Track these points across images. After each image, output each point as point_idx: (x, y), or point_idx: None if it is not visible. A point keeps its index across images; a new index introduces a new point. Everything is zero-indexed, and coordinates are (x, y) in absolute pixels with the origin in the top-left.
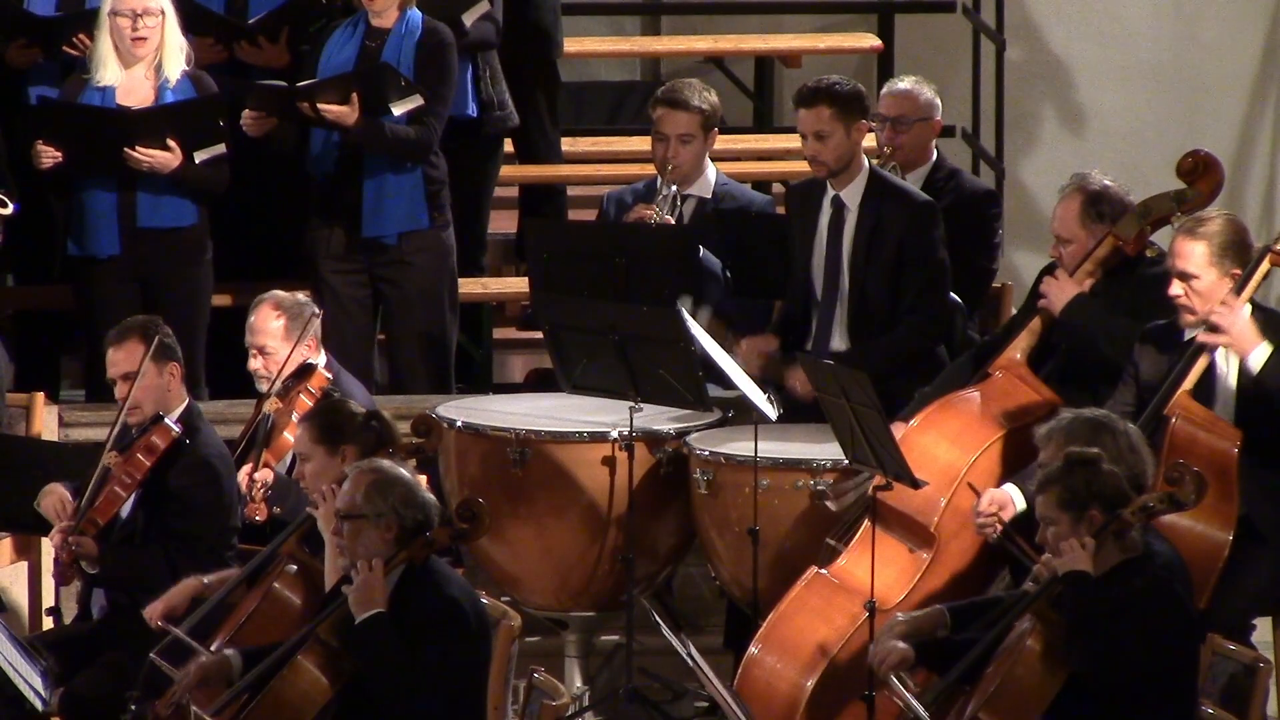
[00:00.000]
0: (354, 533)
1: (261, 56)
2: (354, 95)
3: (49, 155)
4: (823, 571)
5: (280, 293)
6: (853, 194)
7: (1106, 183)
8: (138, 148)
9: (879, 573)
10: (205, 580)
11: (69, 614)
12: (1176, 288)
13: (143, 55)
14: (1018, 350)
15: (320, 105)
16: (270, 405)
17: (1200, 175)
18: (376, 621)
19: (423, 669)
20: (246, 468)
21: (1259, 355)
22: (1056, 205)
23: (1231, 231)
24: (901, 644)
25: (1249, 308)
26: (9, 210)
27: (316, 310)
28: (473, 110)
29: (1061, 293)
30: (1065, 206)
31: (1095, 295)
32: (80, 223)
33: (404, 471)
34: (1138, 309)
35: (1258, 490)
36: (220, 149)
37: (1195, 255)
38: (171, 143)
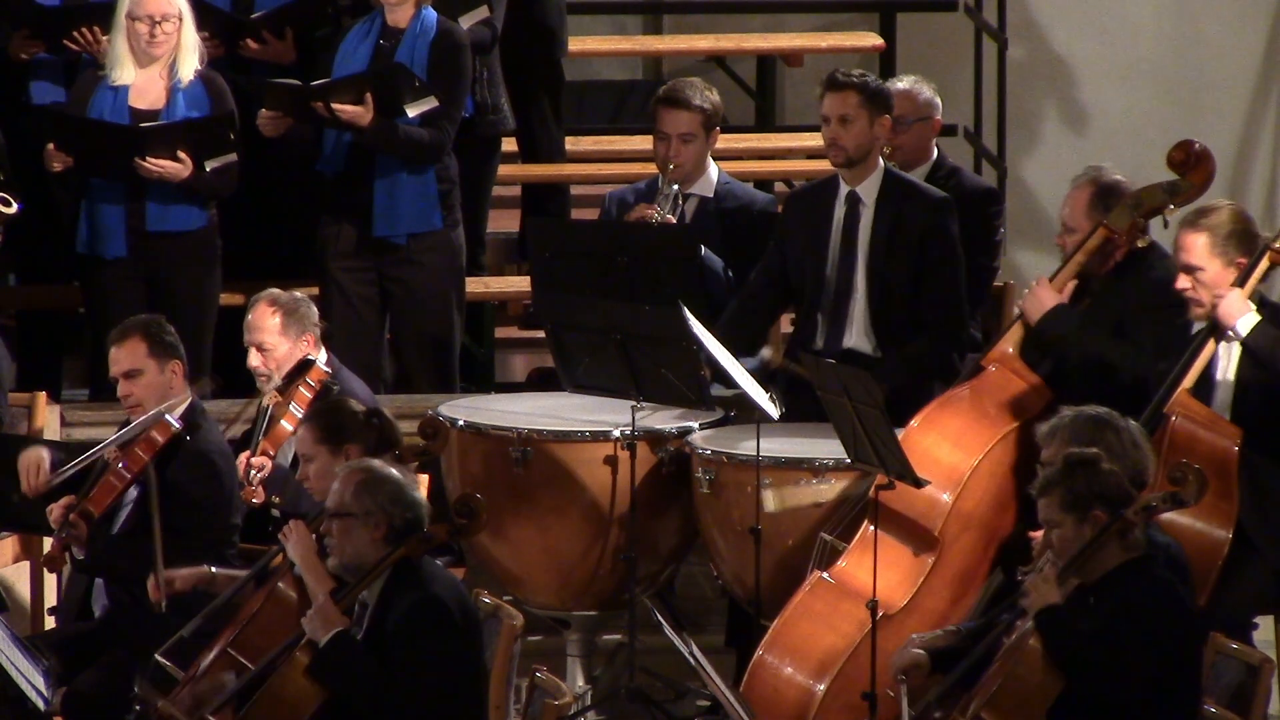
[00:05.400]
0: (343, 531)
1: (265, 52)
2: (368, 95)
3: (60, 160)
4: (825, 576)
5: (276, 290)
6: (869, 189)
7: (1119, 178)
8: (148, 158)
9: (881, 575)
10: (213, 570)
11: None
12: (1184, 281)
13: (159, 57)
14: (1009, 344)
15: (335, 105)
16: (270, 398)
17: (1192, 167)
18: (339, 640)
19: (406, 670)
20: (245, 454)
21: (1247, 322)
22: (1068, 194)
23: (1234, 221)
24: (918, 650)
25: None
26: (12, 210)
27: (314, 307)
28: (467, 109)
29: (1039, 302)
30: (1075, 196)
31: (1084, 295)
32: (89, 225)
33: (394, 471)
34: (1124, 318)
35: (1248, 489)
36: (231, 158)
37: (1197, 247)
38: (182, 154)
